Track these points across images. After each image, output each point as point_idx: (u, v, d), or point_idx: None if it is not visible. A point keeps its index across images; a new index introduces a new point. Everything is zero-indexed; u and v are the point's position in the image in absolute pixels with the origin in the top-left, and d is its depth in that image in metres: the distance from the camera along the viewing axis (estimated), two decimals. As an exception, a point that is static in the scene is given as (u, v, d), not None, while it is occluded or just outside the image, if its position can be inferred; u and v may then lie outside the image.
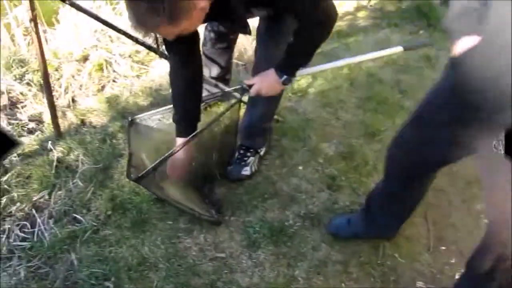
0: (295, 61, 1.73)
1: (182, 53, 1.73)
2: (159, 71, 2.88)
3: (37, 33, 1.97)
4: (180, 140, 1.79)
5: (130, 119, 1.85)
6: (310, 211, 2.05)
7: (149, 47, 2.54)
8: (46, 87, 2.18)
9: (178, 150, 1.70)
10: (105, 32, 3.00)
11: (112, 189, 2.05)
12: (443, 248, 1.95)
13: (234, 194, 2.10)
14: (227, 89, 2.27)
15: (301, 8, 1.52)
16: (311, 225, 1.99)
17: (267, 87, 1.75)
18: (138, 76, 2.83)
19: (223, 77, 2.50)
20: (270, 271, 1.80)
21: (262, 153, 2.25)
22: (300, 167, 2.26)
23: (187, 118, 1.79)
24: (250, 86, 1.77)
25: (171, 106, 1.84)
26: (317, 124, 2.55)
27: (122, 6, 3.15)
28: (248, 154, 2.17)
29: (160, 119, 1.91)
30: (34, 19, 1.92)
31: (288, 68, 1.73)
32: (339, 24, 3.76)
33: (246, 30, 1.58)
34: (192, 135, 1.73)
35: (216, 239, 1.90)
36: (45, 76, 2.14)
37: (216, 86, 2.40)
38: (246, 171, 2.14)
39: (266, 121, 2.16)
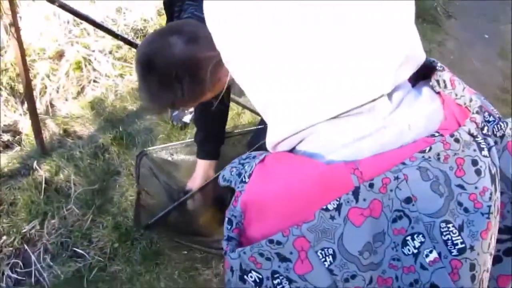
0: None
1: None
2: (145, 69, 2.61)
3: (15, 24, 1.64)
4: (201, 162, 1.61)
5: (140, 152, 1.64)
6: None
7: (130, 43, 2.26)
8: (28, 93, 1.88)
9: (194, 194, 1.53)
10: (78, 23, 2.67)
11: (114, 215, 1.83)
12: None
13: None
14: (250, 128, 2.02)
15: None
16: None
17: None
18: (121, 75, 2.55)
19: None
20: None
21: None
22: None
23: (211, 139, 1.59)
24: None
25: (185, 141, 1.69)
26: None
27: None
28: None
29: (173, 153, 1.70)
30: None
31: None
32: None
33: None
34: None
35: (237, 268, 1.75)
36: (27, 78, 1.83)
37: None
38: None
39: None
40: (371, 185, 0.46)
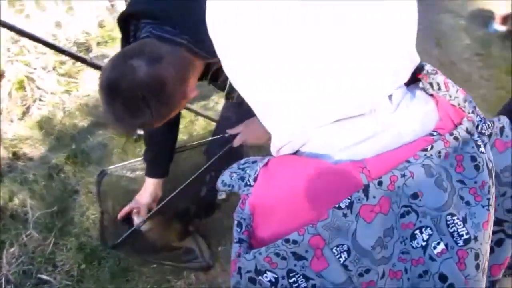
0: None
1: None
2: (92, 84, 2.54)
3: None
4: (150, 180, 1.60)
5: (100, 172, 1.62)
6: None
7: (75, 57, 2.19)
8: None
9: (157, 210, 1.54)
10: (15, 40, 2.57)
11: (77, 235, 1.79)
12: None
13: (214, 220, 1.95)
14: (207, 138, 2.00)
15: None
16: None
17: (253, 137, 1.55)
18: (68, 92, 2.48)
19: None
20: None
21: (231, 168, 2.10)
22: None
23: (160, 159, 1.59)
24: (233, 136, 1.56)
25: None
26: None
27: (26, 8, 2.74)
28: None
29: (133, 171, 1.68)
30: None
31: None
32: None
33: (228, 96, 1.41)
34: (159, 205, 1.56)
35: (208, 275, 1.76)
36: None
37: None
38: (222, 195, 1.98)
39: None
40: (380, 183, 0.48)
